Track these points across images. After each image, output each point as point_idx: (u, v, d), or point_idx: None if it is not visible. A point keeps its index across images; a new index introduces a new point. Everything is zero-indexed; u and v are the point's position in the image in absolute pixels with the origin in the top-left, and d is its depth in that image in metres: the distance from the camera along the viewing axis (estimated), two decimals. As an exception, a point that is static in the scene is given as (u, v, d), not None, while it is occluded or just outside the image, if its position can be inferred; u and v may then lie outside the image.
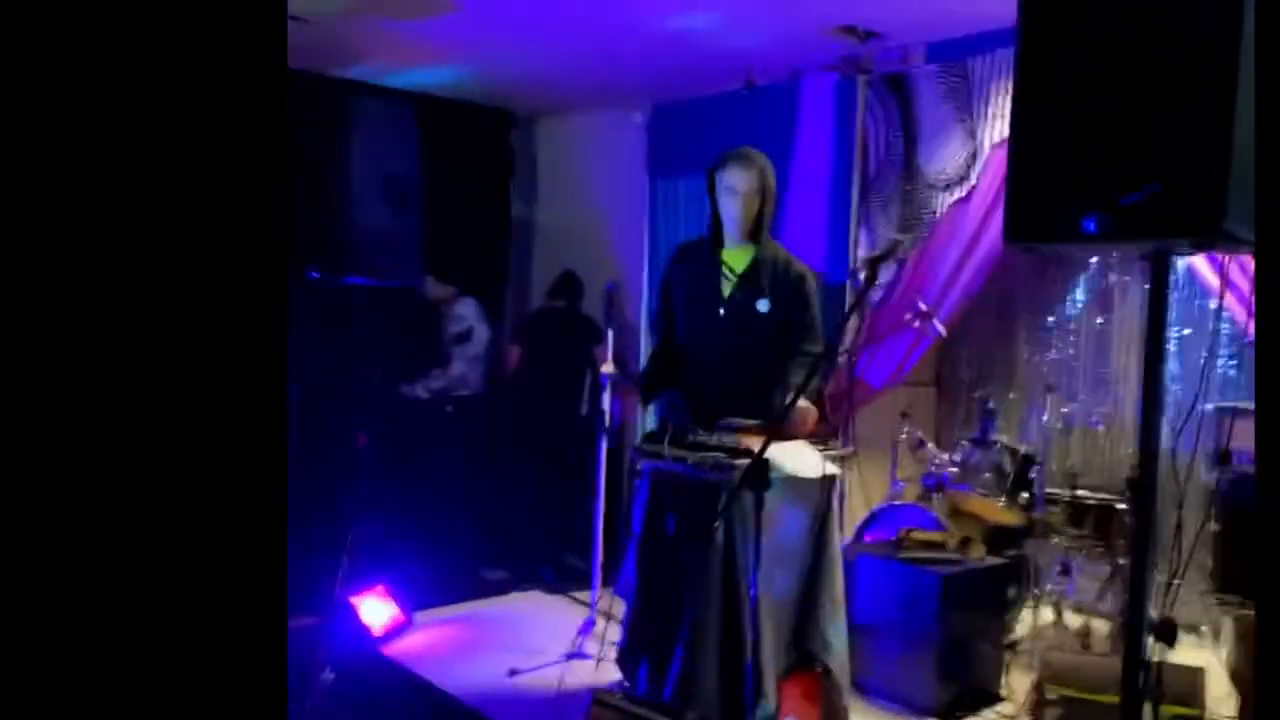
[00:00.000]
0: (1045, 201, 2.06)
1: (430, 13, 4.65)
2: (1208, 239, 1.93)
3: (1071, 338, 4.89)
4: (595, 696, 3.07)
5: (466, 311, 5.59)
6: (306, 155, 5.47)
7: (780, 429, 3.07)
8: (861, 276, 2.90)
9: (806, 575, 3.17)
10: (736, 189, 3.36)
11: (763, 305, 3.37)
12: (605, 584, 4.11)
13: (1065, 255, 4.85)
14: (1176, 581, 2.26)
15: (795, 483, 3.03)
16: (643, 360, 5.78)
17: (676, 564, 3.08)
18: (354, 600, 4.29)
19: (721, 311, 3.42)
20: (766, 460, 2.59)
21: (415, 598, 4.58)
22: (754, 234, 3.43)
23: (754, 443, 2.85)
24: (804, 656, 3.16)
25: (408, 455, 5.54)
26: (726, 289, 3.44)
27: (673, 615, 3.08)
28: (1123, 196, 1.90)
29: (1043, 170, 2.06)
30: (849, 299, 4.68)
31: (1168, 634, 2.21)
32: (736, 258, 3.45)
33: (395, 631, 4.33)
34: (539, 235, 6.97)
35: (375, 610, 4.33)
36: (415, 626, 4.42)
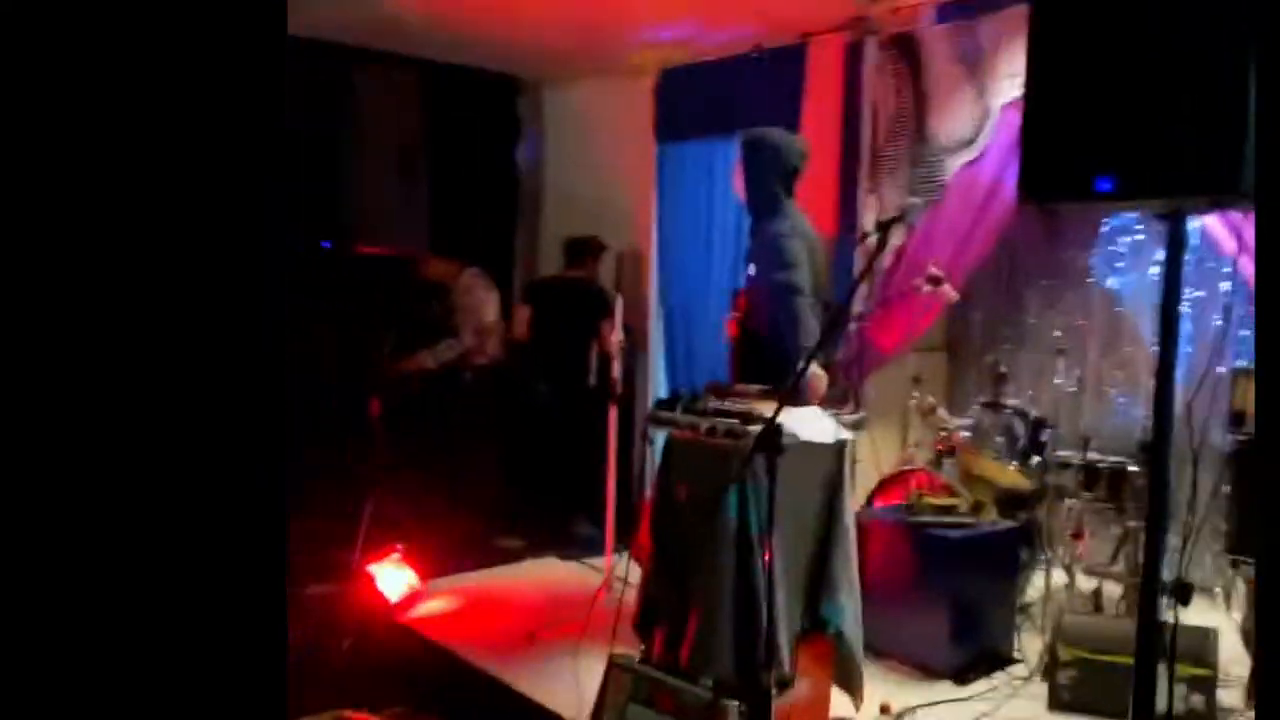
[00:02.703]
0: (1059, 161, 2.06)
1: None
2: (1226, 198, 1.93)
3: (1083, 300, 4.87)
4: (611, 660, 3.10)
5: (473, 284, 5.59)
6: (315, 124, 5.47)
7: (793, 394, 3.09)
8: (870, 241, 2.88)
9: (819, 540, 3.17)
10: None
11: (751, 269, 3.44)
12: (618, 550, 4.14)
13: (1076, 216, 4.83)
14: (1190, 543, 2.26)
15: (808, 448, 3.03)
16: (653, 329, 5.81)
17: (689, 530, 3.09)
18: (371, 568, 4.33)
19: (743, 282, 3.56)
20: (779, 425, 2.60)
21: (431, 565, 4.62)
22: (755, 211, 3.49)
23: (767, 409, 2.86)
24: (817, 621, 3.18)
25: (425, 424, 5.56)
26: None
27: (687, 581, 3.10)
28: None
29: (1057, 129, 2.06)
30: (858, 264, 4.66)
31: (1183, 594, 2.22)
32: None
33: (411, 599, 4.37)
34: (548, 203, 6.94)
35: (391, 578, 4.36)
36: (431, 594, 4.46)
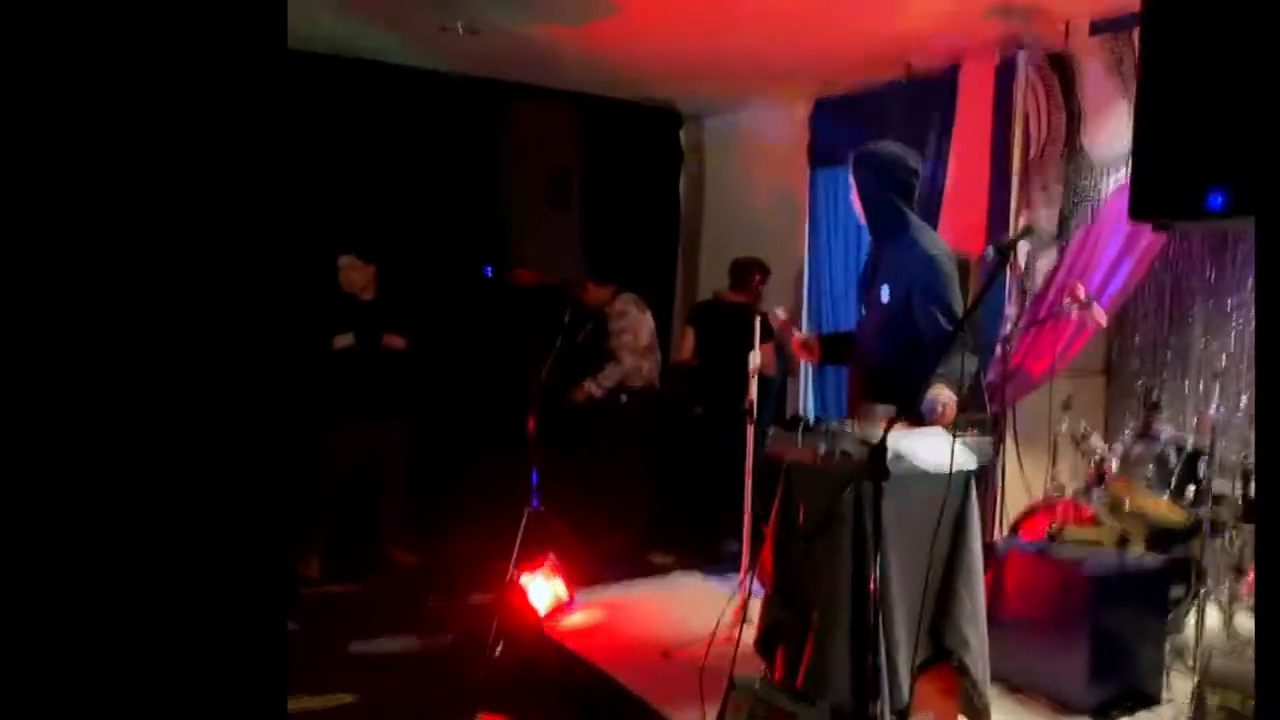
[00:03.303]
0: (1171, 176, 2.02)
1: (592, 17, 4.85)
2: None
3: (1251, 323, 4.56)
4: (731, 680, 3.16)
5: (627, 308, 5.76)
6: (476, 156, 5.83)
7: (912, 417, 3.07)
8: (988, 260, 2.81)
9: (943, 569, 3.13)
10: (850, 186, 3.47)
11: (884, 294, 3.37)
12: (751, 570, 4.19)
13: (1245, 235, 4.55)
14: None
15: (928, 474, 3.01)
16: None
17: (807, 552, 3.12)
18: (523, 579, 4.54)
19: (865, 302, 3.53)
20: (885, 449, 2.61)
21: (585, 578, 4.80)
22: (877, 228, 3.45)
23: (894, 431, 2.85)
24: (940, 651, 3.14)
25: (583, 442, 5.78)
26: (869, 278, 3.52)
27: (805, 603, 3.13)
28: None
29: (1169, 143, 2.02)
30: (1010, 286, 4.58)
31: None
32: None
33: (559, 609, 4.56)
34: (707, 228, 7.10)
35: (541, 589, 4.57)
36: (579, 605, 4.64)
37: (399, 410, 5.48)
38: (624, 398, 5.77)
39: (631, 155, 6.60)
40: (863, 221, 3.51)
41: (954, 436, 3.05)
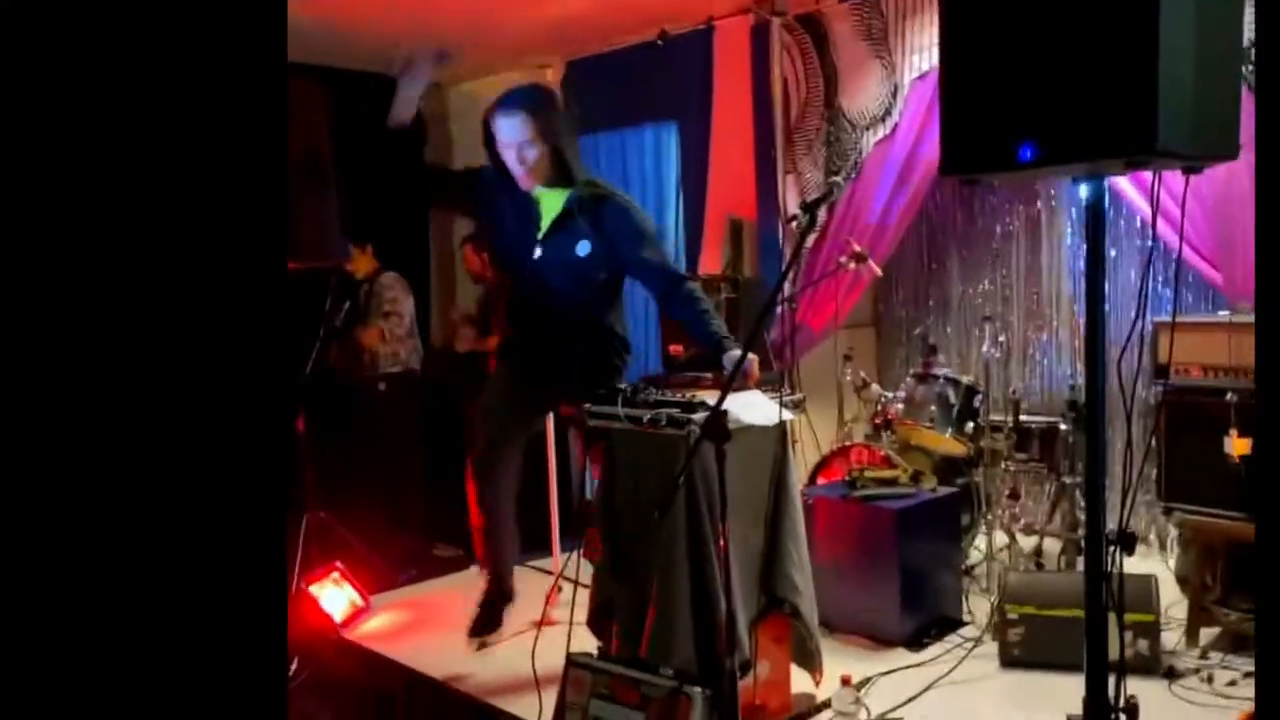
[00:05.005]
0: (981, 132, 2.09)
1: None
2: (1142, 157, 1.97)
3: (1003, 268, 4.98)
4: (569, 659, 3.06)
5: (393, 283, 5.47)
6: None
7: (736, 379, 3.08)
8: (799, 222, 2.85)
9: (769, 521, 3.19)
10: (503, 142, 3.24)
11: (582, 249, 3.28)
12: (567, 549, 4.11)
13: (990, 188, 4.93)
14: (1132, 493, 2.32)
15: (751, 432, 3.04)
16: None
17: (640, 523, 3.07)
18: (312, 589, 4.22)
19: (538, 253, 3.34)
20: (725, 411, 2.59)
21: (374, 581, 4.53)
22: (559, 178, 3.29)
23: (707, 395, 2.86)
24: (773, 600, 3.19)
25: (350, 439, 5.44)
26: (540, 233, 3.35)
27: (641, 574, 3.08)
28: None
29: (976, 100, 2.09)
30: (784, 246, 4.71)
31: (1127, 544, 2.27)
32: (550, 200, 3.33)
33: (355, 616, 4.28)
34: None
35: (333, 597, 4.27)
36: (376, 609, 4.37)
37: None
38: (382, 386, 5.46)
39: (375, 129, 6.24)
40: (531, 175, 3.25)
41: (772, 394, 3.11)
